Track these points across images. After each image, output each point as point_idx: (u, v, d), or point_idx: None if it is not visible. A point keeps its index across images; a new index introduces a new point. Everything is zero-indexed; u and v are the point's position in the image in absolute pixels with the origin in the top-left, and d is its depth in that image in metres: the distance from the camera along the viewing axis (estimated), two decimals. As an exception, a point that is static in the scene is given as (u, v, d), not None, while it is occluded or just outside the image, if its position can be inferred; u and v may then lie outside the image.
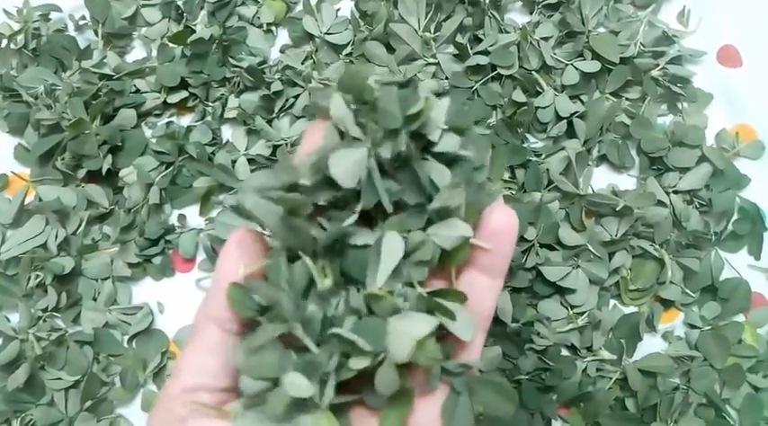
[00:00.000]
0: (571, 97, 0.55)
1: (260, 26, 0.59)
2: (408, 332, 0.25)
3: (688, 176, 0.53)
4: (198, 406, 0.25)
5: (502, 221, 0.27)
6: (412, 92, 0.26)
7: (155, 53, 0.58)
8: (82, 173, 0.54)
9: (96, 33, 0.58)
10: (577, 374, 0.50)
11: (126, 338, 0.52)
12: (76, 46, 0.58)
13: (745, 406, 0.49)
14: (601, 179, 0.55)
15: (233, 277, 0.26)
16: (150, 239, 0.53)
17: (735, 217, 0.54)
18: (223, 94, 0.57)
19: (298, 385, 0.24)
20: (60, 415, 0.49)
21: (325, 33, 0.58)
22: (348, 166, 0.25)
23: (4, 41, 0.58)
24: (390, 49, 0.58)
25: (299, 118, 0.56)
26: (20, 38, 0.57)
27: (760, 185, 0.55)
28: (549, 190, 0.53)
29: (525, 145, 0.55)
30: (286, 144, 0.55)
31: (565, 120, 0.54)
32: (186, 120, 0.58)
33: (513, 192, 0.53)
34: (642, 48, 0.56)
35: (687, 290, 0.52)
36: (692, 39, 0.59)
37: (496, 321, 0.50)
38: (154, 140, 0.56)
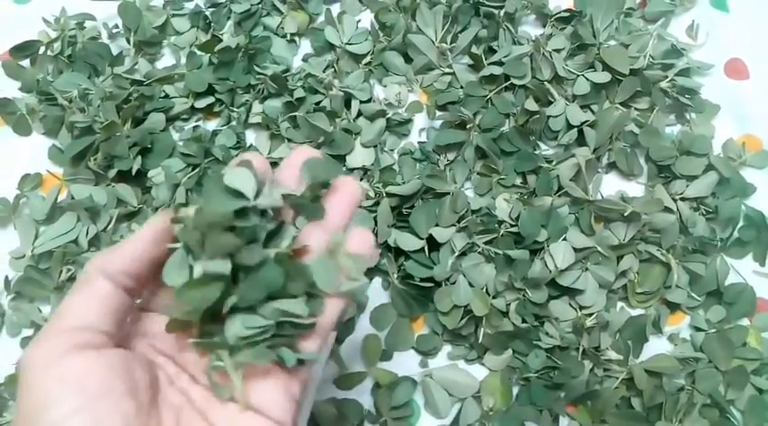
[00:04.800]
0: (582, 107, 0.57)
1: (284, 36, 0.62)
2: None
3: (695, 184, 0.55)
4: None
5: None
6: None
7: (183, 60, 0.61)
8: (112, 173, 0.56)
9: (128, 41, 0.61)
10: (585, 373, 0.51)
11: (151, 331, 0.54)
12: (109, 53, 0.61)
13: (750, 408, 0.50)
14: (610, 185, 0.57)
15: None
16: (176, 237, 0.55)
17: (740, 224, 0.55)
18: (248, 100, 0.59)
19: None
20: (88, 403, 0.51)
21: (346, 43, 0.60)
22: None
23: (42, 48, 0.61)
24: (408, 59, 0.60)
25: (319, 124, 0.58)
26: (56, 45, 0.60)
27: (765, 194, 0.56)
28: (559, 196, 0.55)
29: (537, 152, 0.57)
30: (307, 148, 0.57)
31: (575, 129, 0.56)
32: (212, 125, 0.60)
33: (525, 197, 0.55)
34: (651, 60, 0.58)
35: (693, 294, 0.53)
36: (701, 52, 0.61)
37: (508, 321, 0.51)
38: (181, 143, 0.58)
